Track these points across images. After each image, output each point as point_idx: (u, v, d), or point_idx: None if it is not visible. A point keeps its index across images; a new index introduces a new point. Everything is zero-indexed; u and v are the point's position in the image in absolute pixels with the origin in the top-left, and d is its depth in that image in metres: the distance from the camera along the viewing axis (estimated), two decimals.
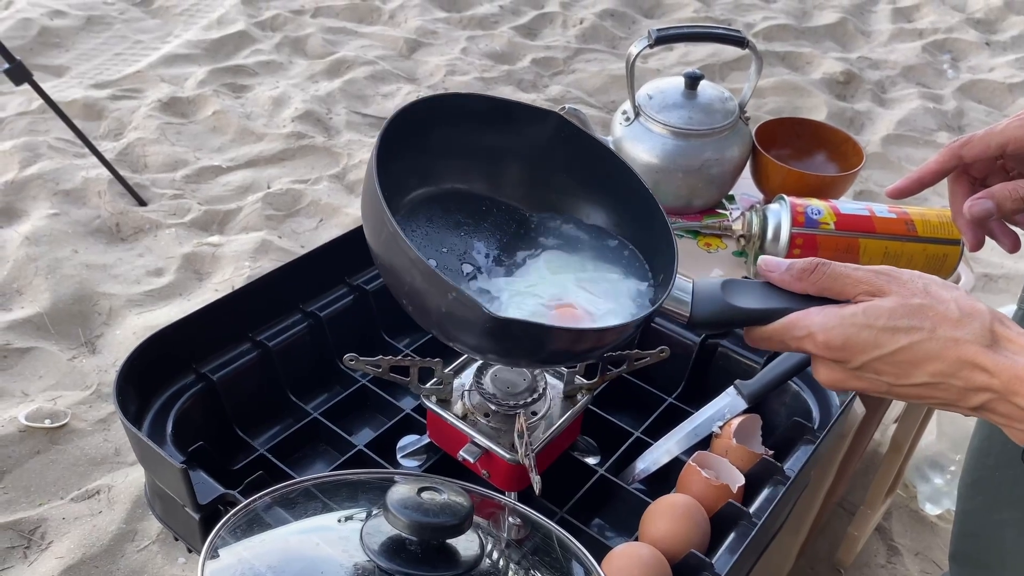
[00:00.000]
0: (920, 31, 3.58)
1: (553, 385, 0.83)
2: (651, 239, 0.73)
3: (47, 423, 1.53)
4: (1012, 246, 0.71)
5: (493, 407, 0.79)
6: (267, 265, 1.96)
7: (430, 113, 0.69)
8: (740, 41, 1.15)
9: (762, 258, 0.61)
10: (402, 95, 2.81)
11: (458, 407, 0.81)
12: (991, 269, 2.23)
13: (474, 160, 0.75)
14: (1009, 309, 0.87)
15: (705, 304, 0.62)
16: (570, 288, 0.71)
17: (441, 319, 0.61)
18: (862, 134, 2.81)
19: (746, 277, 1.00)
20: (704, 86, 1.22)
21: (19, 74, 1.87)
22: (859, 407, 1.04)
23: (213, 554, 0.61)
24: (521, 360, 0.74)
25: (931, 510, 1.54)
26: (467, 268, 0.72)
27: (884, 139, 2.76)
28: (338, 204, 2.23)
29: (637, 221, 0.75)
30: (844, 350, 0.54)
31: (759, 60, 1.20)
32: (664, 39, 1.13)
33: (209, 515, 0.76)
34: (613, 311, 0.69)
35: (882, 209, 1.13)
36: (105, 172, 2.15)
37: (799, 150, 1.32)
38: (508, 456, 0.77)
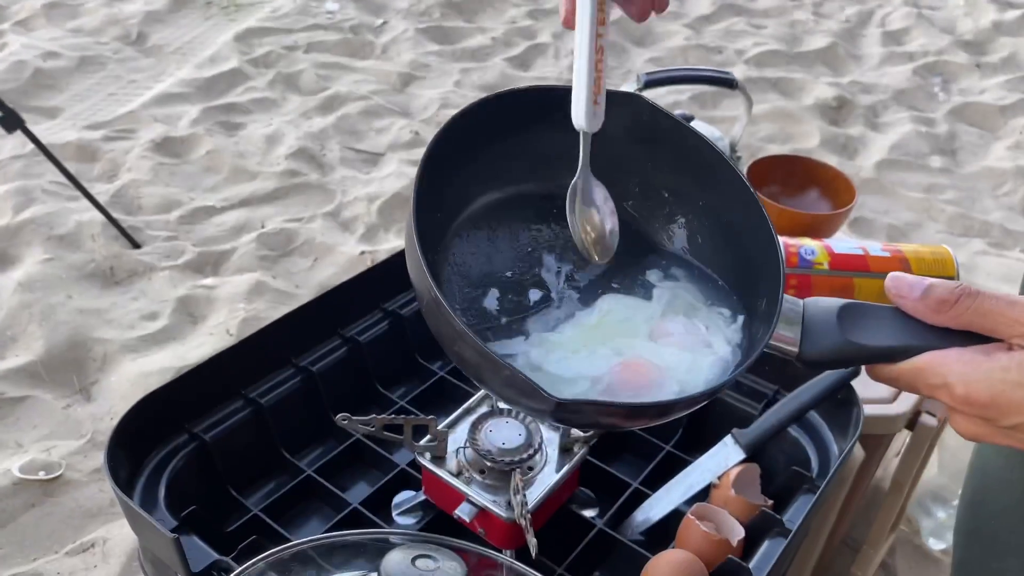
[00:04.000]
0: (910, 54, 3.60)
1: (549, 439, 0.83)
2: (748, 251, 0.61)
3: (41, 475, 1.52)
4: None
5: (488, 464, 0.78)
6: (261, 307, 1.95)
7: (487, 117, 0.59)
8: (730, 83, 1.15)
9: (892, 276, 0.51)
10: (395, 130, 2.82)
11: (453, 464, 0.80)
12: None
13: (539, 160, 0.64)
14: None
15: (819, 337, 0.52)
16: (647, 332, 0.61)
17: (499, 390, 0.55)
18: (855, 159, 2.82)
19: None
20: (696, 127, 1.22)
21: (12, 122, 1.88)
22: (859, 450, 1.04)
23: None
24: (593, 428, 0.71)
25: (935, 545, 1.53)
26: (535, 294, 0.64)
27: (877, 164, 2.77)
28: (332, 243, 2.23)
29: (732, 228, 0.63)
30: (991, 408, 0.45)
31: (748, 100, 1.20)
32: (653, 83, 1.13)
33: None
34: (696, 361, 0.58)
35: (876, 248, 1.13)
36: (99, 215, 2.15)
37: (791, 187, 1.32)
38: (504, 515, 0.76)
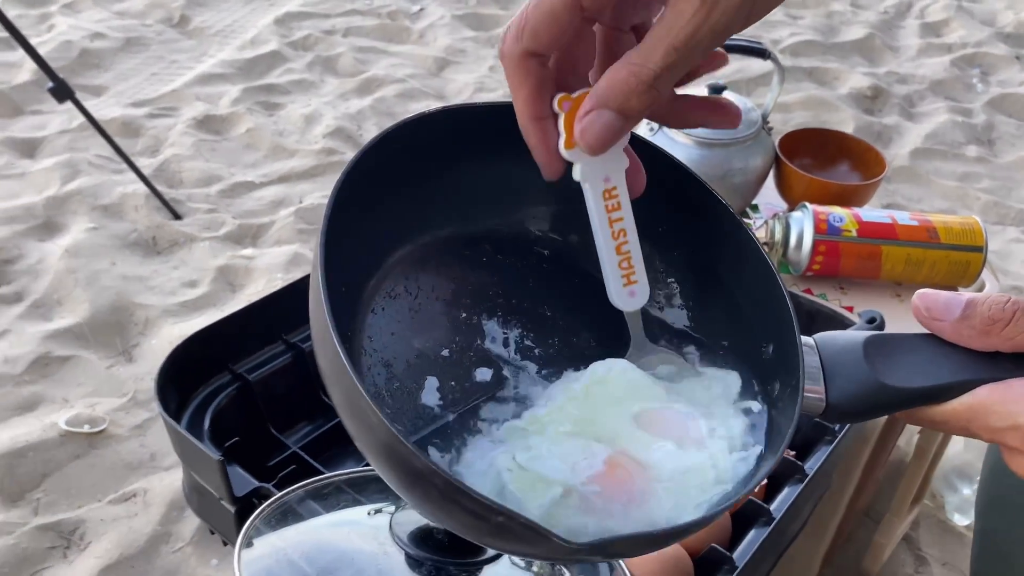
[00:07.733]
0: (949, 46, 3.57)
1: None
2: (744, 297, 0.49)
3: (86, 428, 1.58)
4: (731, 118, 0.44)
5: None
6: (298, 277, 2.00)
7: (399, 150, 0.45)
8: (761, 52, 1.17)
9: (919, 294, 0.41)
10: None
11: None
12: (1020, 282, 2.22)
13: (456, 197, 0.49)
14: None
15: (846, 382, 0.42)
16: (630, 419, 0.46)
17: (481, 537, 0.41)
18: (890, 148, 2.81)
19: None
20: (728, 96, 1.24)
21: (62, 92, 1.94)
22: None
23: (248, 544, 0.63)
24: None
25: (959, 520, 1.53)
26: (482, 373, 0.49)
27: (912, 152, 2.76)
28: None
29: (725, 273, 0.51)
30: None
31: (781, 71, 1.22)
32: None
33: (244, 507, 0.79)
34: (696, 468, 0.43)
35: (904, 216, 1.14)
36: (142, 187, 2.21)
37: (822, 160, 1.33)
38: None
